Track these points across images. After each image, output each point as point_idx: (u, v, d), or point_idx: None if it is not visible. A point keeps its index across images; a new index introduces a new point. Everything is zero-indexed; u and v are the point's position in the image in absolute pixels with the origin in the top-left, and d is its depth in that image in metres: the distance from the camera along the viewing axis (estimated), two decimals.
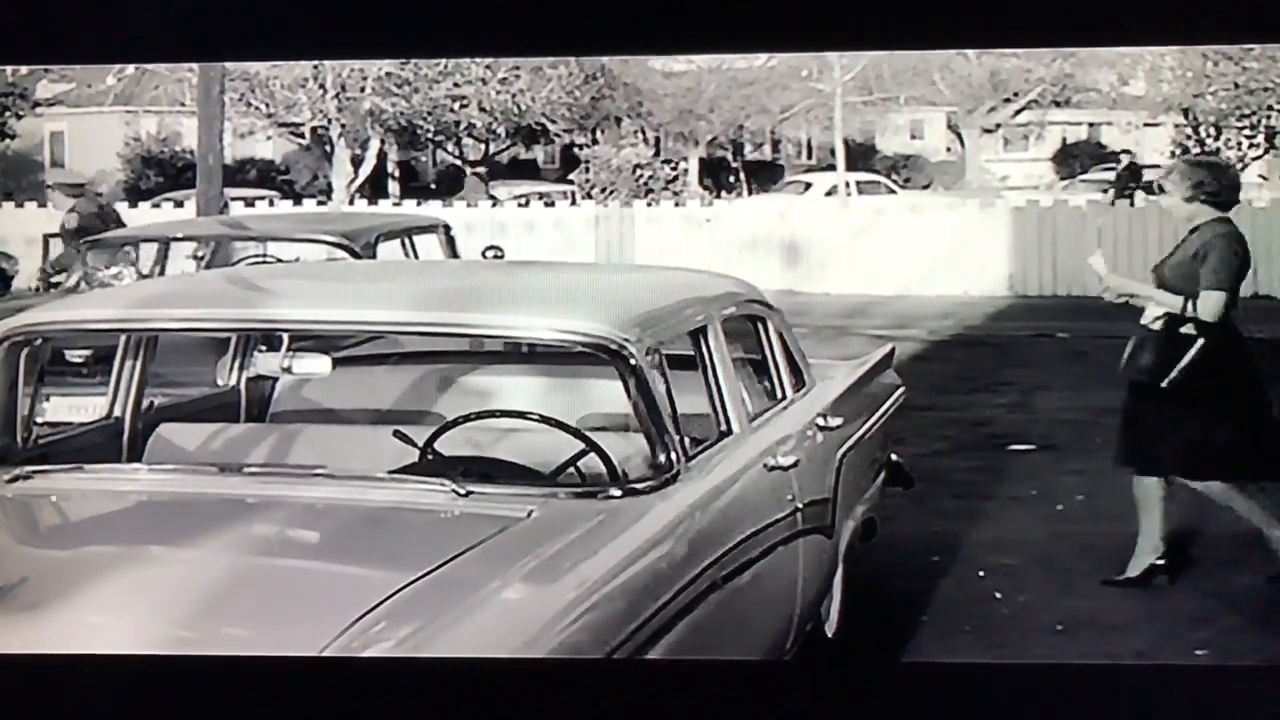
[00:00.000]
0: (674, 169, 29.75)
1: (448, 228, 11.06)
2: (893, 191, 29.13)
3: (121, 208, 23.36)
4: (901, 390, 6.97)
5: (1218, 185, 6.73)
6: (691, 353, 5.02)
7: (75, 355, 8.34)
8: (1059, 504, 7.08)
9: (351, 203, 26.79)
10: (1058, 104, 32.88)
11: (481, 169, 28.93)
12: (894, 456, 6.81)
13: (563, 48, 4.47)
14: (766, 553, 4.77)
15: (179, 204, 23.24)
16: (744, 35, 4.43)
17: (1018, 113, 32.78)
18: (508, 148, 33.98)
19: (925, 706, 3.79)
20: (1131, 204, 21.83)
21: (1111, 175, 27.19)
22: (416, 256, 10.64)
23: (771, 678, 4.00)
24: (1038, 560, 7.06)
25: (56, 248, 12.96)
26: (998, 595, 6.75)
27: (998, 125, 33.41)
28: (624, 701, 3.66)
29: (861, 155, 32.79)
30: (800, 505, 5.10)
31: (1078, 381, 12.32)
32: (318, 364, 5.16)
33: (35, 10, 4.35)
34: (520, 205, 24.32)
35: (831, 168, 30.52)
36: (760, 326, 5.66)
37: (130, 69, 32.04)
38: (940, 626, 6.37)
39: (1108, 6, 4.24)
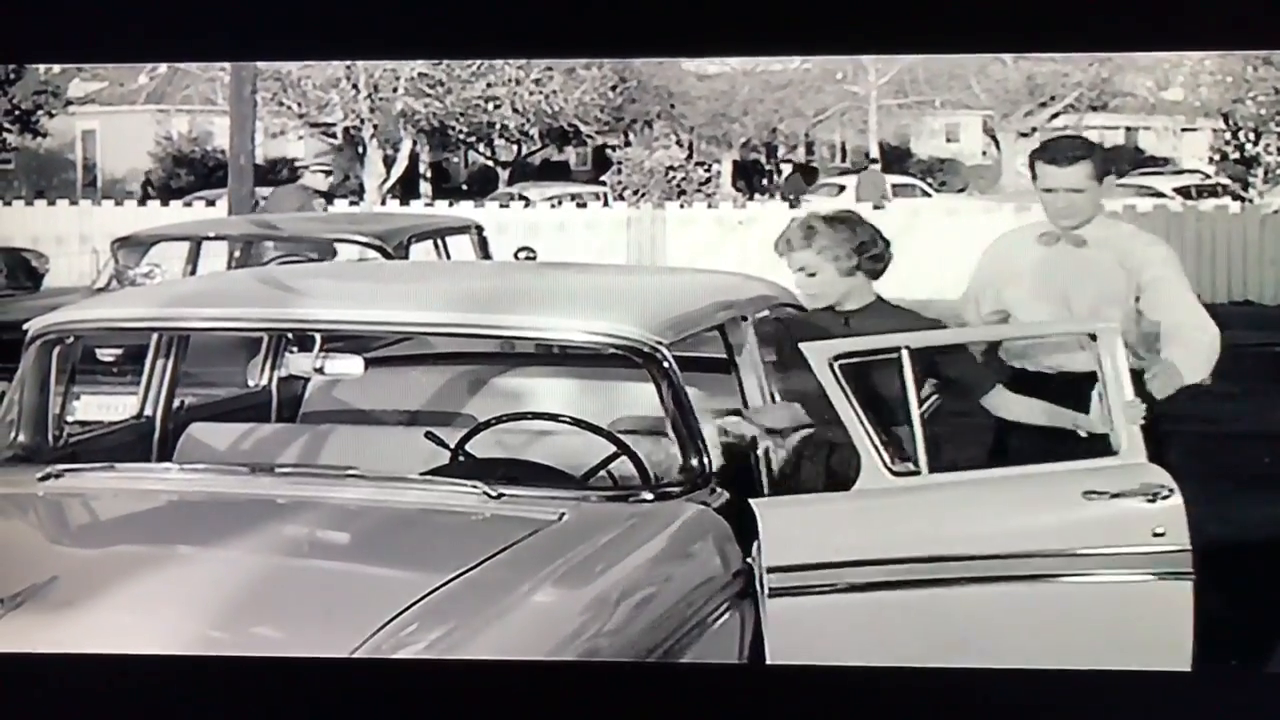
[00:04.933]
0: (707, 171, 29.71)
1: (480, 229, 11.04)
2: (928, 195, 29.00)
3: (153, 205, 23.53)
4: (936, 397, 6.91)
5: (879, 246, 5.12)
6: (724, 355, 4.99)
7: (106, 354, 8.34)
8: None
9: (383, 203, 26.78)
10: (1094, 108, 32.66)
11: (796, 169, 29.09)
12: None
13: (595, 50, 4.46)
14: None
15: (210, 203, 23.27)
16: (777, 38, 4.41)
17: (1054, 117, 32.56)
18: (540, 149, 33.96)
19: (950, 712, 3.77)
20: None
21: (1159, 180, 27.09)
22: (449, 257, 10.63)
23: (798, 682, 3.98)
24: None
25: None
26: None
27: (1034, 129, 33.21)
28: (653, 705, 3.64)
29: (897, 158, 32.70)
30: None
31: None
32: (350, 365, 5.15)
33: (71, 10, 4.35)
34: (552, 207, 24.30)
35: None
36: None
37: (162, 68, 32.11)
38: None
39: (1144, 11, 4.20)
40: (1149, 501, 4.53)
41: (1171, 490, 4.55)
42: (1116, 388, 4.67)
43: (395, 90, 29.13)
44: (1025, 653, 4.36)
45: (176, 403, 5.32)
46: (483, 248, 10.87)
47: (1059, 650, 4.39)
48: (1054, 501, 4.53)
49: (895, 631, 4.32)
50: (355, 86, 28.90)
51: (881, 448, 4.48)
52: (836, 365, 4.51)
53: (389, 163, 29.83)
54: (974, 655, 4.32)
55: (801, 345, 4.58)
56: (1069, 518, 4.50)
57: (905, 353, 4.55)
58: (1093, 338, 4.76)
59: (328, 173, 12.69)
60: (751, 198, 30.14)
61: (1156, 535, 4.51)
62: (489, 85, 29.60)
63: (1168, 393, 5.04)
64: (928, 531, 4.38)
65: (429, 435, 4.73)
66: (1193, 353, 5.14)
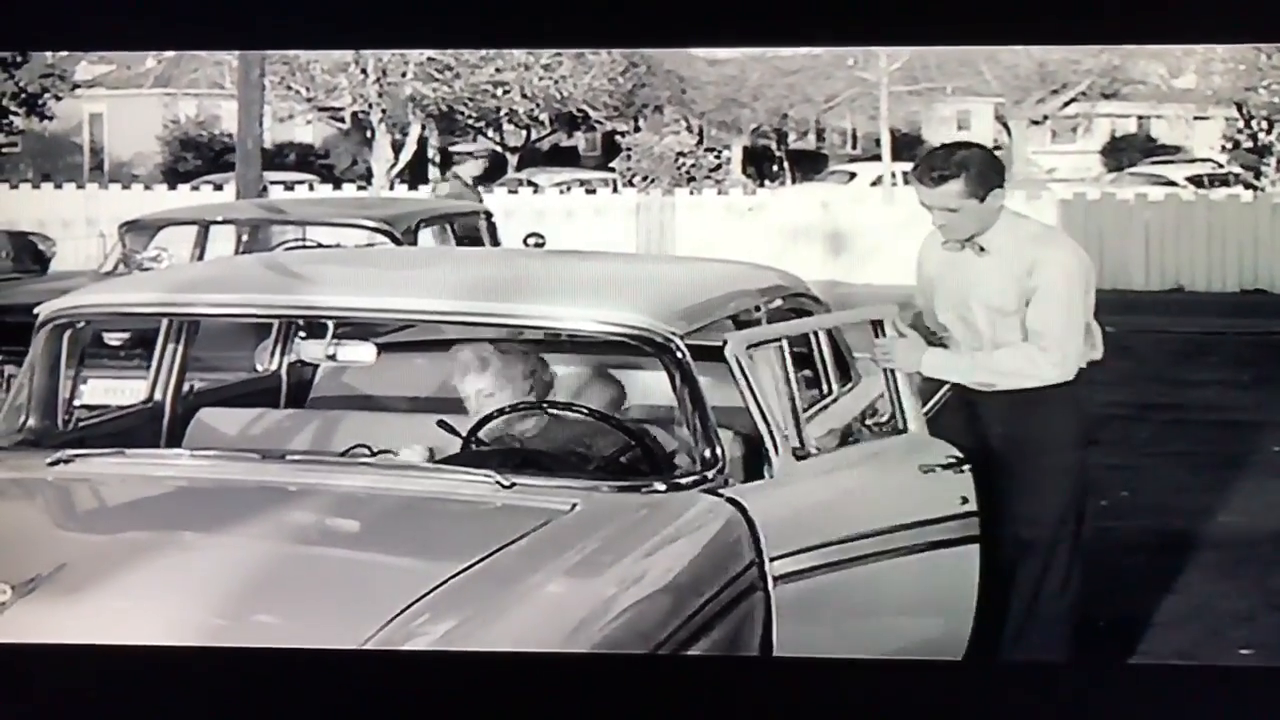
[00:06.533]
0: (717, 157, 29.67)
1: (489, 214, 11.03)
2: None
3: (160, 190, 23.53)
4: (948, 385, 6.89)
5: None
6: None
7: (114, 338, 8.34)
8: (1104, 500, 7.01)
9: (392, 188, 26.78)
10: (1106, 96, 32.62)
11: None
12: None
13: (603, 40, 4.44)
14: None
15: (218, 187, 23.27)
16: (787, 29, 4.38)
17: (1066, 104, 32.55)
18: (549, 134, 33.94)
19: (960, 707, 3.76)
20: None
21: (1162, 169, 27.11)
22: (458, 243, 10.60)
23: (809, 674, 3.96)
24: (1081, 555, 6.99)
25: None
26: None
27: (1045, 117, 33.20)
28: (665, 698, 3.62)
29: (907, 145, 32.67)
30: None
31: (1122, 376, 12.19)
32: (363, 352, 5.12)
33: None
34: (561, 193, 24.27)
35: (876, 158, 30.40)
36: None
37: (170, 51, 32.10)
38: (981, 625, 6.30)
39: (1157, 3, 4.18)
40: (958, 472, 5.05)
41: (967, 461, 5.08)
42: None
43: (404, 75, 29.12)
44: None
45: (185, 387, 5.29)
46: (491, 233, 10.85)
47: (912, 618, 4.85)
48: (910, 474, 4.98)
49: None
50: (364, 71, 28.89)
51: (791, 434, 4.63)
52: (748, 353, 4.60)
53: (397, 147, 29.82)
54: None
55: (725, 335, 4.67)
56: (923, 488, 4.95)
57: (785, 342, 4.79)
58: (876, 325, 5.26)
59: (477, 156, 12.66)
60: (761, 184, 30.13)
61: (964, 501, 5.01)
62: (498, 70, 29.58)
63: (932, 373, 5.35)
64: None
65: (441, 423, 4.70)
66: (1005, 366, 5.25)
